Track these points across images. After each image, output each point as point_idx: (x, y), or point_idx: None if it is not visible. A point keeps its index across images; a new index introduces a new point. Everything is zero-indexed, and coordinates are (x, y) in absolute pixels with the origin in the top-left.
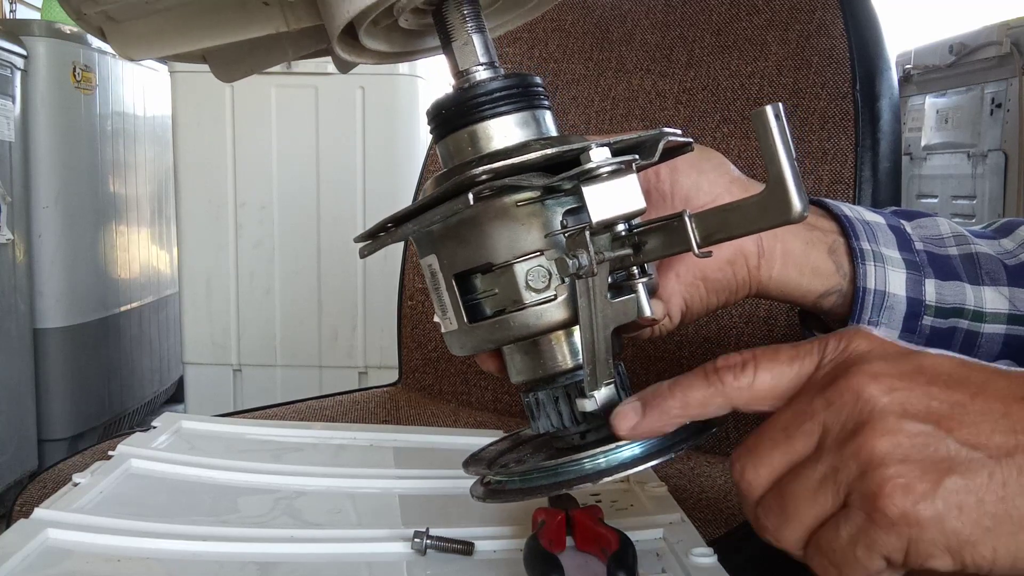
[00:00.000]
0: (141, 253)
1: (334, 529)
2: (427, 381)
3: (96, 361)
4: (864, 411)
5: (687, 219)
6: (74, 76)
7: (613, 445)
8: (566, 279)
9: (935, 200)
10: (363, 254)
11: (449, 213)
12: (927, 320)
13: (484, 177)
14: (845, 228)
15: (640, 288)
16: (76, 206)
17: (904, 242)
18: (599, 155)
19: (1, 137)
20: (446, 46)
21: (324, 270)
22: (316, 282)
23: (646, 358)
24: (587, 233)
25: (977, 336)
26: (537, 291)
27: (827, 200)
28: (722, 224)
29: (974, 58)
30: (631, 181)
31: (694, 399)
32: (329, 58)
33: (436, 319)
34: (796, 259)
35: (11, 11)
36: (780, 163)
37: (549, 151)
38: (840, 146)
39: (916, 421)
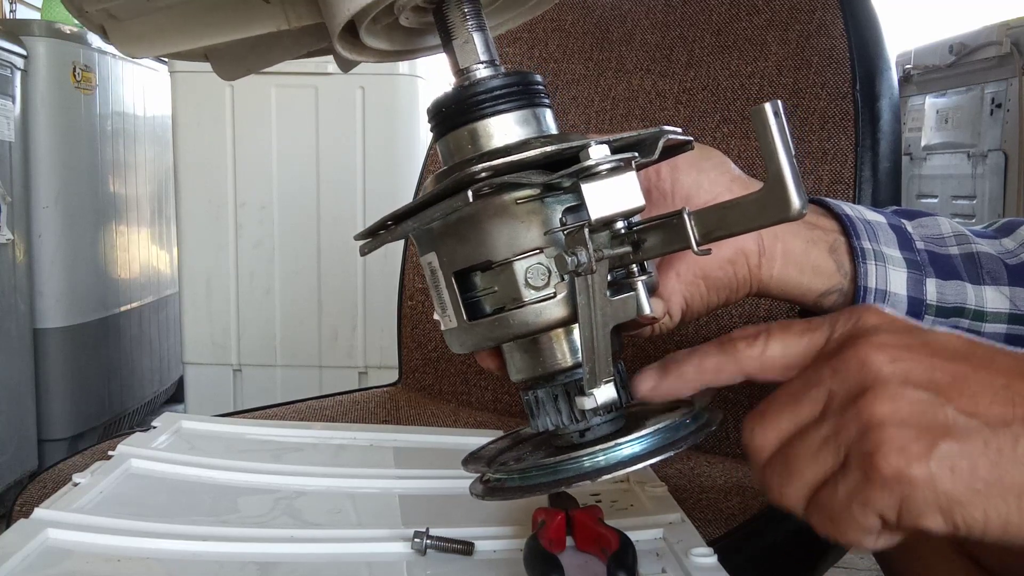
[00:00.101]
0: (141, 253)
1: (334, 529)
2: (427, 381)
3: (96, 361)
4: (868, 378)
5: (686, 216)
6: (74, 76)
7: (612, 443)
8: (565, 277)
9: (935, 200)
10: (363, 252)
11: (449, 210)
12: (928, 319)
13: (484, 174)
14: (846, 227)
15: (639, 286)
16: (76, 206)
17: (905, 241)
18: (598, 152)
19: (1, 137)
20: (447, 44)
21: (324, 270)
22: (316, 282)
23: (646, 358)
24: (586, 230)
25: (978, 335)
26: (536, 289)
27: (828, 199)
28: (721, 221)
29: (974, 58)
30: (630, 178)
31: (709, 365)
32: (329, 58)
33: (436, 317)
34: (797, 258)
35: (11, 11)
36: (779, 160)
37: (549, 148)
38: (840, 146)
39: (917, 389)
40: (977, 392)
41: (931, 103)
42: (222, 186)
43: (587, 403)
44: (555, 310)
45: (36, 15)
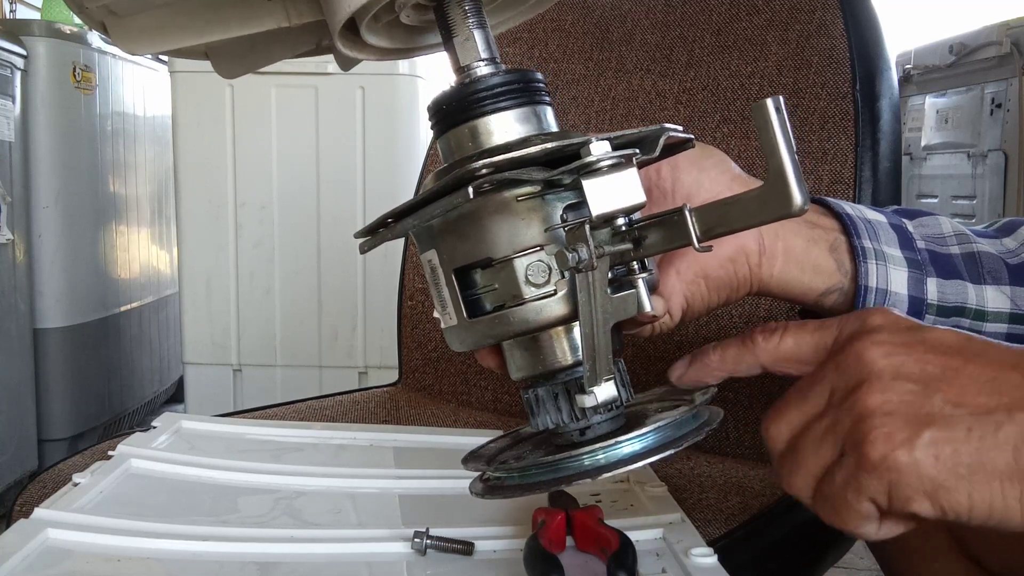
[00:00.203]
0: (141, 253)
1: (334, 529)
2: (427, 381)
3: (96, 361)
4: (863, 372)
5: (687, 213)
6: (74, 76)
7: (612, 441)
8: (566, 274)
9: (935, 200)
10: (363, 250)
11: (449, 207)
12: (929, 319)
13: (484, 171)
14: (847, 226)
15: (640, 283)
16: (76, 206)
17: (906, 240)
18: (599, 149)
19: (1, 137)
20: (447, 42)
21: (324, 270)
22: (316, 282)
23: (646, 358)
24: (587, 227)
25: (979, 335)
26: (537, 286)
27: (828, 199)
28: (722, 218)
29: (974, 58)
30: (631, 175)
31: (729, 355)
32: (329, 58)
33: (436, 315)
34: (797, 257)
35: (11, 11)
36: (780, 156)
37: (550, 145)
38: (840, 146)
39: (907, 382)
40: (966, 384)
41: (931, 103)
42: (222, 186)
43: (587, 401)
44: (555, 307)
45: (36, 15)
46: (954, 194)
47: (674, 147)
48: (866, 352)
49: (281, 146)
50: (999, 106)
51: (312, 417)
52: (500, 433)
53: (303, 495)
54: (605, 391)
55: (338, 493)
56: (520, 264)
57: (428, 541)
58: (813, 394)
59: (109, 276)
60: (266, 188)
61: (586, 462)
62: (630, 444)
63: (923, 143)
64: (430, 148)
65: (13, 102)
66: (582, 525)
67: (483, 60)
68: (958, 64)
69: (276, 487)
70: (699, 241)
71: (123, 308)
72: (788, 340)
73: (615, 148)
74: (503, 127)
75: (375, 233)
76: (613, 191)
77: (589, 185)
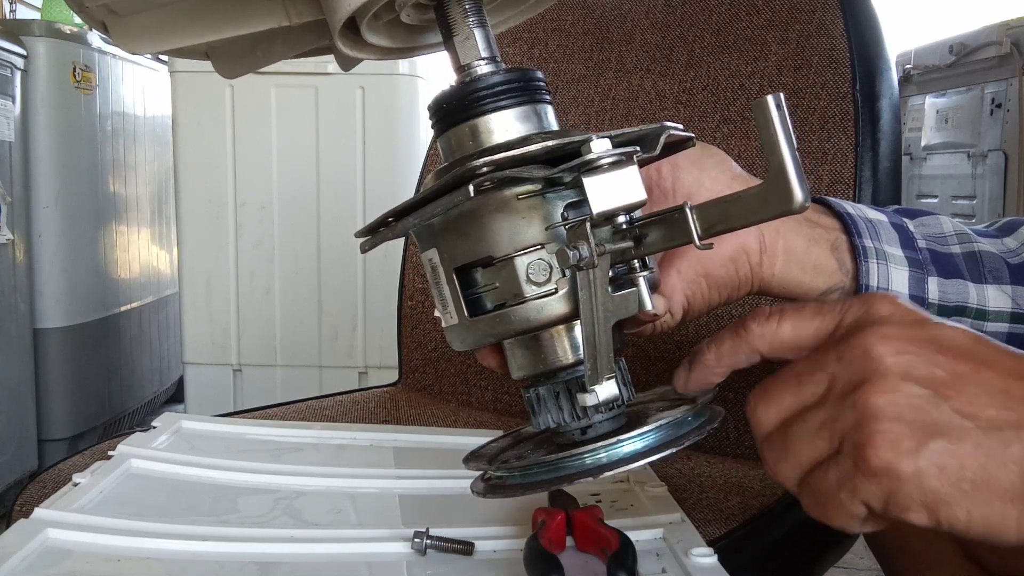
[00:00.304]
0: (141, 253)
1: (334, 529)
2: (427, 381)
3: (96, 361)
4: (869, 368)
5: (688, 211)
6: (74, 76)
7: (614, 440)
8: (567, 272)
9: (935, 200)
10: (364, 249)
11: (450, 205)
12: None
13: (485, 169)
14: (847, 225)
15: (641, 282)
16: (76, 206)
17: (907, 240)
18: (600, 146)
19: (1, 137)
20: (448, 41)
21: (324, 270)
22: (316, 282)
23: (646, 358)
24: (588, 225)
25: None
26: (538, 284)
27: (829, 198)
28: (723, 215)
29: (974, 58)
30: (632, 173)
31: (724, 349)
32: (329, 57)
33: (437, 314)
34: (798, 256)
35: (11, 11)
36: (781, 153)
37: (551, 143)
38: (840, 146)
39: (916, 385)
40: (975, 393)
41: (931, 103)
42: (222, 186)
43: (589, 400)
44: (556, 306)
45: (36, 15)
46: (954, 194)
47: (675, 146)
48: (874, 347)
49: (281, 146)
50: (999, 106)
51: (312, 417)
52: (500, 433)
53: (303, 495)
54: (606, 390)
55: (338, 493)
56: (521, 262)
57: (428, 541)
58: (811, 380)
59: (109, 276)
60: (266, 188)
61: (588, 461)
62: (631, 443)
63: (923, 143)
64: (430, 148)
65: (13, 102)
66: (582, 525)
67: (483, 59)
68: (958, 64)
69: (276, 487)
70: (700, 239)
71: (123, 308)
72: (786, 326)
73: (616, 146)
74: (503, 126)
75: (376, 232)
76: (614, 189)
77: (590, 183)
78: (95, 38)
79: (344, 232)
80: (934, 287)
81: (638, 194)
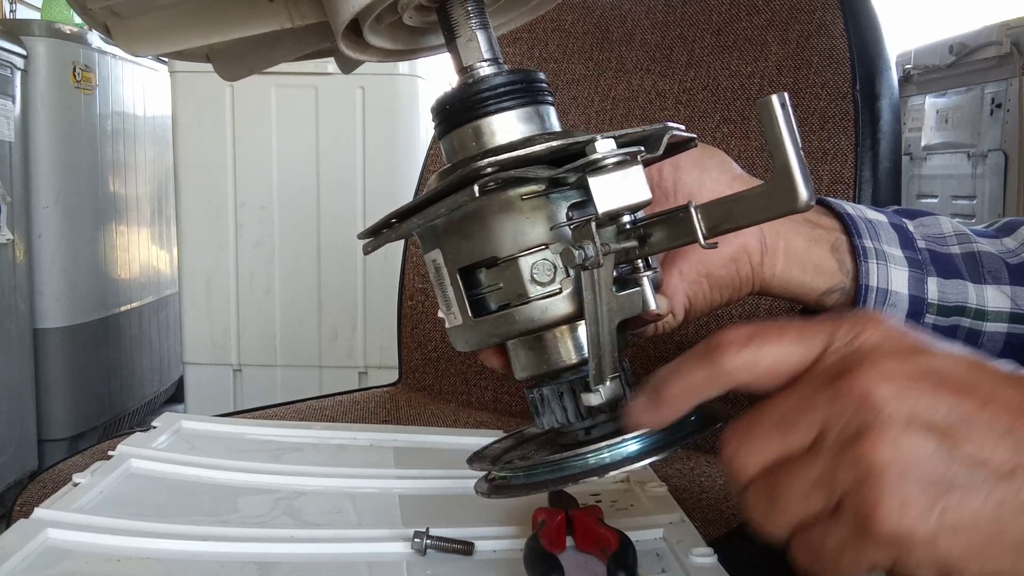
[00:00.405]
0: (141, 253)
1: (334, 529)
2: (427, 381)
3: (96, 361)
4: (869, 416)
5: (693, 210)
6: (74, 76)
7: (618, 439)
8: (571, 272)
9: (935, 200)
10: (367, 250)
11: (454, 206)
12: (929, 318)
13: (490, 169)
14: (848, 226)
15: (645, 281)
16: (76, 206)
17: (906, 240)
18: (604, 146)
19: (1, 137)
20: (450, 42)
21: (324, 270)
22: (316, 282)
23: (647, 359)
24: (593, 224)
25: (979, 335)
26: (542, 284)
27: (829, 199)
28: (727, 215)
29: (974, 58)
30: (636, 172)
31: (696, 381)
32: (329, 58)
33: (440, 314)
34: (799, 256)
35: (11, 11)
36: (786, 152)
37: (554, 144)
38: (840, 146)
39: (921, 434)
40: (983, 436)
41: (931, 103)
42: (222, 186)
43: (593, 399)
44: (561, 306)
45: (36, 15)
46: (954, 194)
47: (677, 146)
48: (872, 389)
49: (281, 146)
50: (999, 106)
51: (312, 417)
52: (501, 433)
53: (303, 495)
54: (610, 389)
55: (338, 493)
56: (525, 263)
57: (428, 541)
58: (799, 424)
59: (109, 276)
60: (266, 188)
61: (591, 461)
62: (636, 442)
63: (923, 143)
64: (430, 148)
65: (13, 102)
66: (582, 525)
67: (486, 60)
68: (958, 64)
69: (276, 487)
70: (705, 238)
71: (123, 308)
72: (767, 353)
73: (620, 146)
74: (506, 127)
75: (379, 233)
76: (618, 188)
77: (595, 182)
78: (95, 38)
79: (344, 232)
80: (933, 287)
81: (643, 193)
